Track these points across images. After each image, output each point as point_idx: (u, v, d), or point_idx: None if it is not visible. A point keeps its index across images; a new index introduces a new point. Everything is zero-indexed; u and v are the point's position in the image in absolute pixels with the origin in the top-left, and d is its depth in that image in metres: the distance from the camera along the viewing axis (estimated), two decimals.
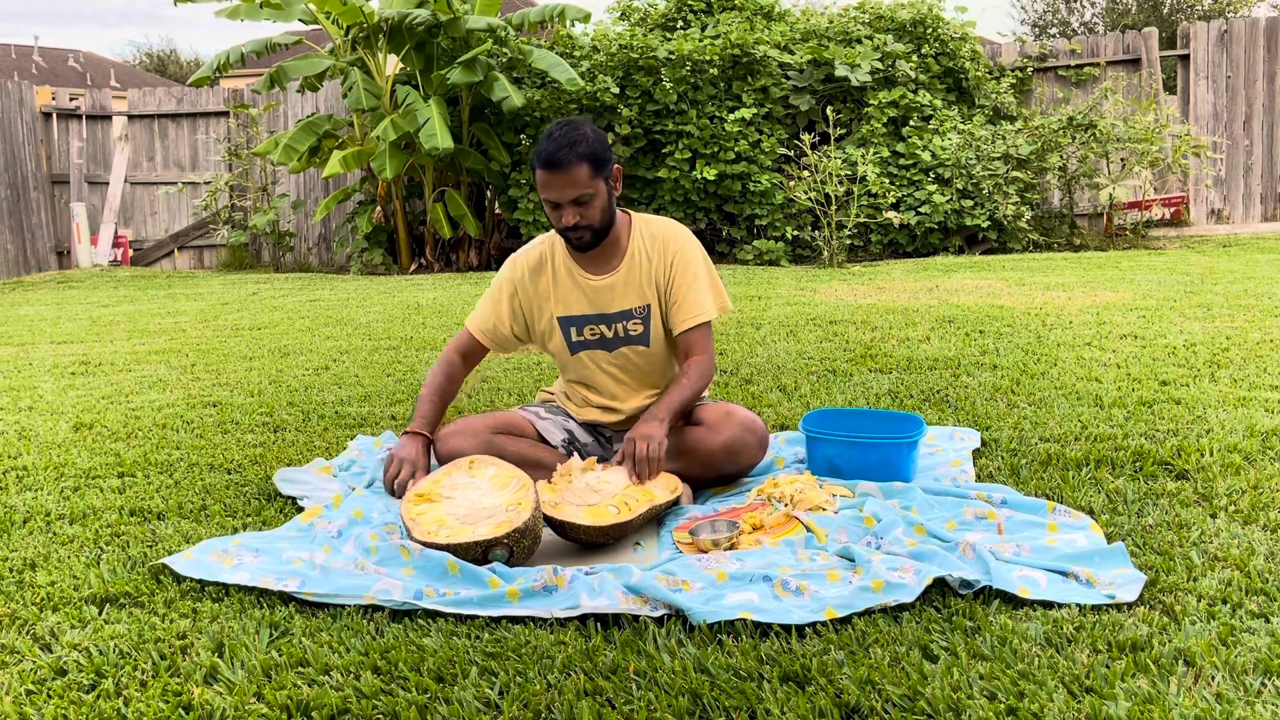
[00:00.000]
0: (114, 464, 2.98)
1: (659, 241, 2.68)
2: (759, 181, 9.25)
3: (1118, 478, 2.51)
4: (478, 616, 1.87)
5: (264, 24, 9.75)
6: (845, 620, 1.80)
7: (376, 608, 1.92)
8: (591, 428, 2.82)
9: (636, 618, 1.84)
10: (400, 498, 2.51)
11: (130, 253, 11.49)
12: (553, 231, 2.77)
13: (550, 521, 2.25)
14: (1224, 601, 1.79)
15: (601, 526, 2.22)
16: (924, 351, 4.25)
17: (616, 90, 9.39)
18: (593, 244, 2.60)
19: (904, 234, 9.18)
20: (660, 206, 9.59)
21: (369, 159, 9.18)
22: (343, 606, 1.92)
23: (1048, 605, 1.83)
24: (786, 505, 2.39)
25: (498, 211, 10.33)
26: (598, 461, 2.62)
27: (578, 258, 2.69)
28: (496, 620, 1.86)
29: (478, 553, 2.08)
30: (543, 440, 2.73)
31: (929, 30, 9.77)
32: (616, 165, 2.61)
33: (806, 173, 8.94)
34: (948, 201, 8.94)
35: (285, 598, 1.97)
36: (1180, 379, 3.50)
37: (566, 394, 2.86)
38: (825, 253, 8.77)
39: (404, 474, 2.56)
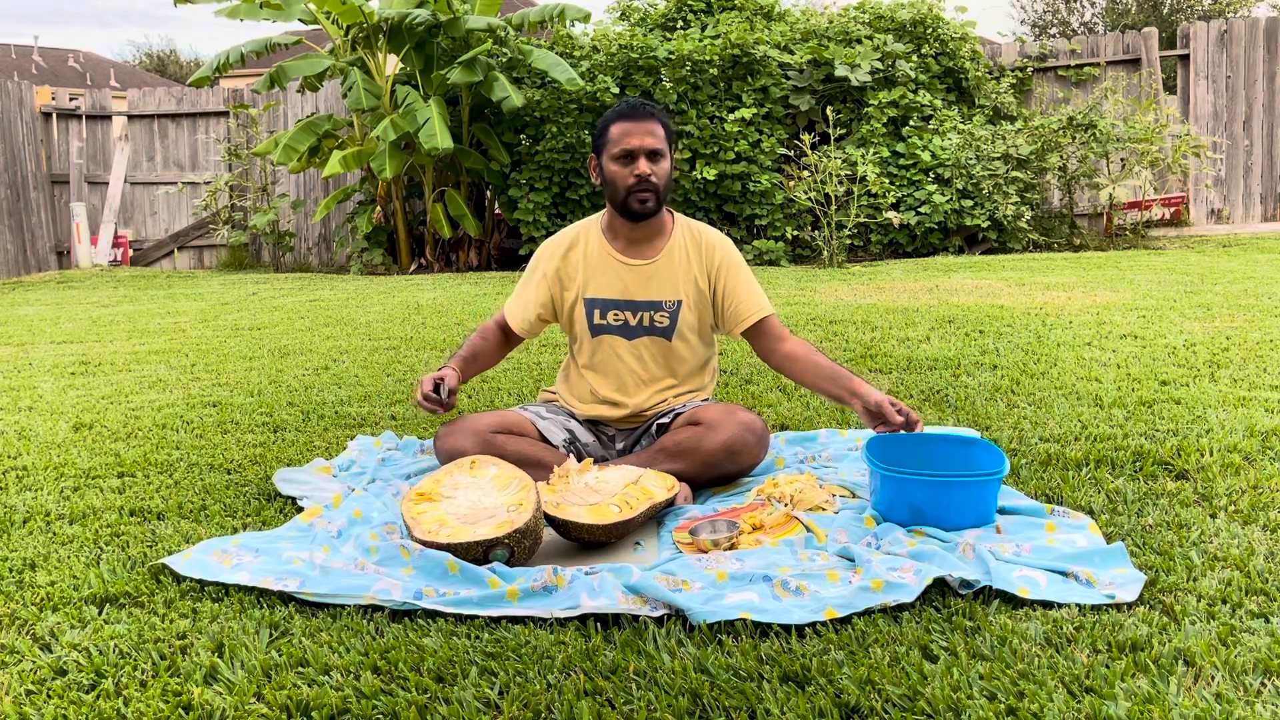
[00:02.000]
0: (114, 464, 2.98)
1: (704, 245, 2.76)
2: (759, 181, 9.26)
3: (1117, 478, 2.51)
4: (477, 616, 1.87)
5: (264, 24, 9.75)
6: (845, 620, 1.80)
7: (376, 608, 1.91)
8: (594, 426, 2.83)
9: (636, 618, 1.84)
10: (434, 406, 2.56)
11: (130, 253, 11.49)
12: (584, 222, 2.82)
13: (553, 521, 2.25)
14: (1224, 601, 1.79)
15: (605, 525, 2.23)
16: (924, 351, 4.25)
17: (616, 90, 9.39)
18: (655, 209, 2.67)
19: (904, 234, 9.18)
20: None
21: (369, 159, 9.18)
22: (342, 606, 1.92)
23: (1047, 605, 1.83)
24: (786, 505, 2.39)
25: (497, 212, 10.33)
26: (595, 462, 2.62)
27: (616, 242, 2.74)
28: (496, 620, 1.86)
29: (478, 552, 2.08)
30: (544, 440, 2.73)
31: (929, 30, 9.77)
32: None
33: (806, 173, 8.95)
34: (948, 201, 8.94)
35: (285, 598, 1.97)
36: (1180, 379, 3.50)
37: (571, 390, 2.86)
38: (825, 253, 8.77)
39: (427, 384, 2.58)
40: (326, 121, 9.75)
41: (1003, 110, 9.87)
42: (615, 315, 2.72)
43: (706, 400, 2.82)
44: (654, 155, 2.61)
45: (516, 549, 2.10)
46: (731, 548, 2.19)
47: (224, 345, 5.32)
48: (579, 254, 2.76)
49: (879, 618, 1.80)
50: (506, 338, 2.90)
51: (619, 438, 2.82)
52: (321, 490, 2.65)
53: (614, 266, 2.72)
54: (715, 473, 2.60)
